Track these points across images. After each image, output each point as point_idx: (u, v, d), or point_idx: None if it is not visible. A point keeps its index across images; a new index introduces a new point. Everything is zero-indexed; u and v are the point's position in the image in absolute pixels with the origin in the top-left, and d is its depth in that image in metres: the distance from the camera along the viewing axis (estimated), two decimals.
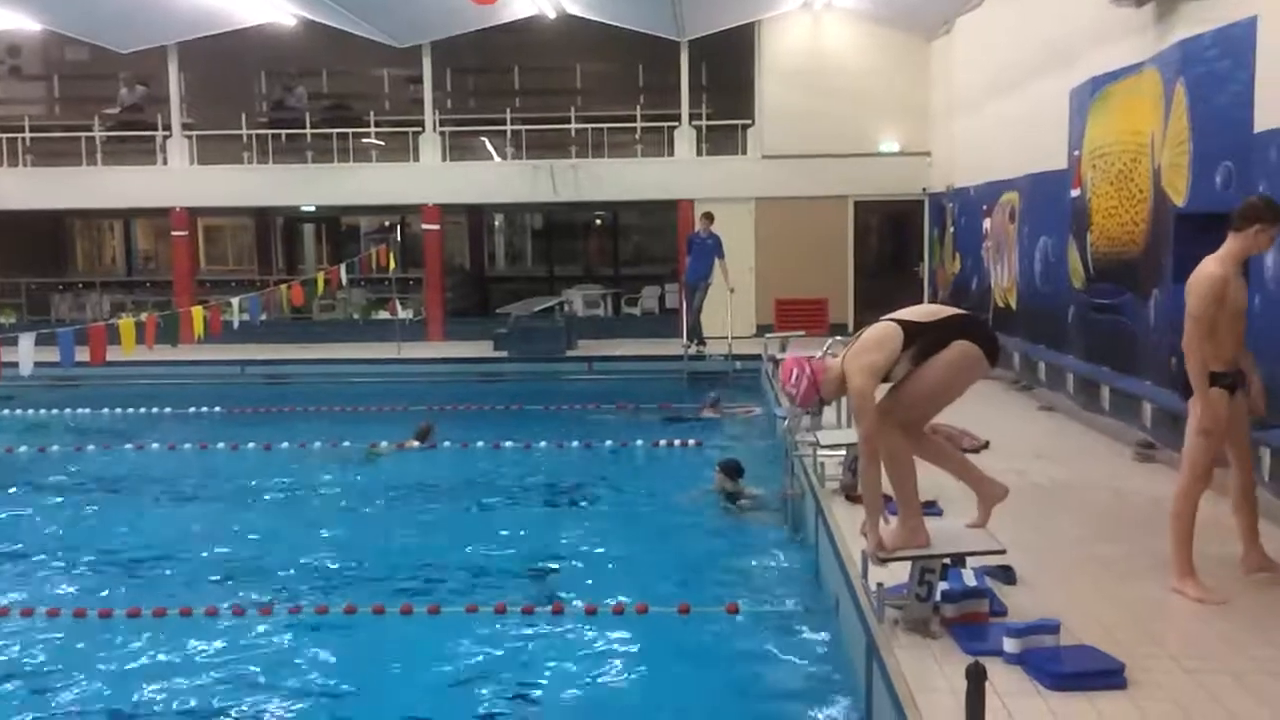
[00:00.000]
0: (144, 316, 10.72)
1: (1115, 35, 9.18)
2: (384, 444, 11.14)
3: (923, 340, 4.84)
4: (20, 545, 8.19)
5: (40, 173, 19.55)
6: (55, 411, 13.80)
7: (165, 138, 19.30)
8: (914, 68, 17.86)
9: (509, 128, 19.35)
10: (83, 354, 9.35)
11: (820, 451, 7.49)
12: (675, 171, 18.70)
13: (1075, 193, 9.82)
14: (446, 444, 11.13)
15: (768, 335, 13.67)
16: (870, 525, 4.82)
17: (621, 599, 6.50)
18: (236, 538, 8.33)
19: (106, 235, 24.38)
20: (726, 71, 19.44)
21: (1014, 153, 12.23)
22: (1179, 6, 7.98)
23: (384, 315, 18.99)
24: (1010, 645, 4.37)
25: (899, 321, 4.91)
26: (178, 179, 19.18)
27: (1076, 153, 9.79)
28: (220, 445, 11.57)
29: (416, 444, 11.05)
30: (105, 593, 7.01)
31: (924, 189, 17.87)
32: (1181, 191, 7.48)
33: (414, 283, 19.73)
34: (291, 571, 7.47)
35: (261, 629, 6.33)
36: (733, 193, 18.17)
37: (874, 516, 4.81)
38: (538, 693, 5.44)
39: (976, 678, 3.83)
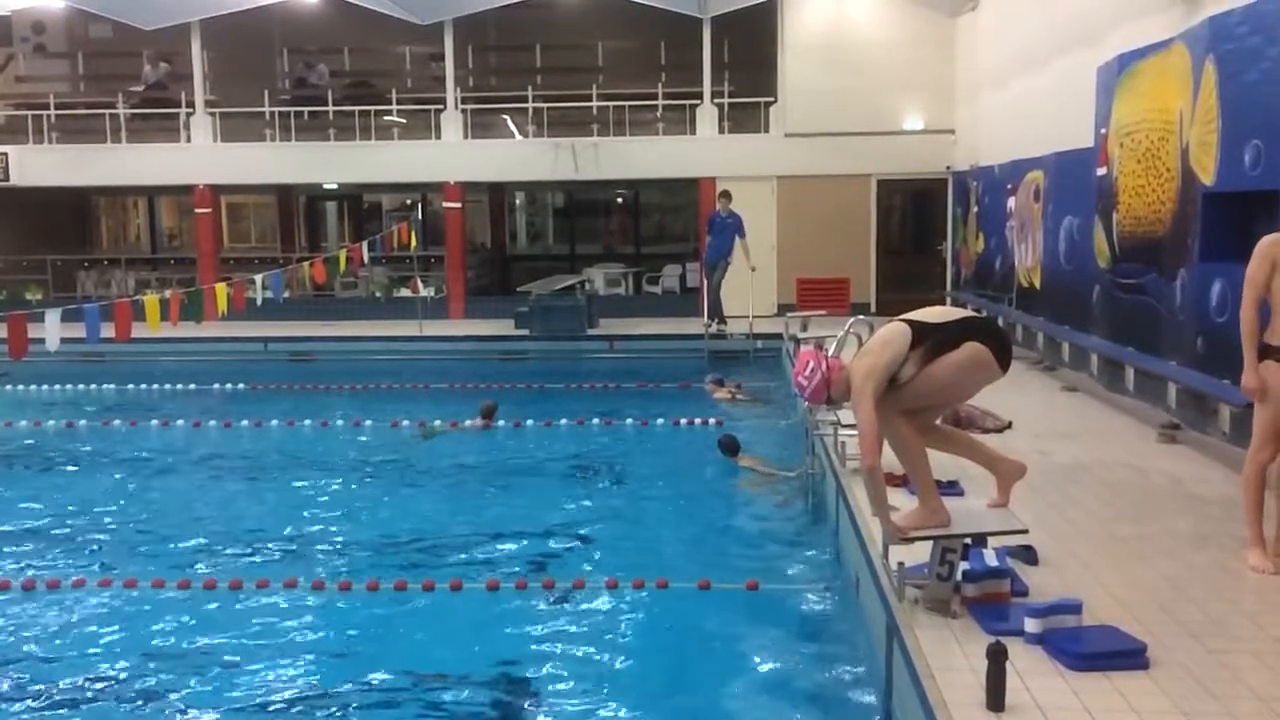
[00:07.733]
0: (168, 293, 10.78)
1: (1143, 11, 9.07)
2: (438, 422, 11.20)
3: (932, 340, 4.81)
4: (41, 519, 8.27)
5: (65, 150, 19.67)
6: (81, 387, 13.91)
7: (189, 115, 19.38)
8: (938, 44, 17.72)
9: (530, 105, 19.33)
10: (108, 330, 9.44)
11: (841, 431, 7.48)
12: (697, 149, 18.62)
13: (1101, 171, 9.73)
14: (468, 423, 11.17)
15: (789, 314, 13.64)
16: (879, 514, 4.83)
17: (642, 574, 6.52)
18: (258, 513, 8.40)
19: (131, 212, 24.52)
20: (749, 48, 19.33)
21: (1039, 131, 12.12)
22: None
23: (406, 293, 19.04)
24: (1031, 625, 4.36)
25: (909, 322, 4.90)
26: (201, 156, 19.27)
27: (1103, 131, 9.69)
28: (244, 422, 11.68)
29: (480, 422, 11.11)
30: (128, 565, 7.07)
31: (948, 167, 17.74)
32: (1210, 170, 7.41)
33: (435, 261, 19.77)
34: (317, 547, 7.53)
35: (283, 603, 6.38)
36: (755, 171, 18.09)
37: (880, 508, 4.82)
38: (558, 667, 5.46)
39: (997, 657, 3.84)
